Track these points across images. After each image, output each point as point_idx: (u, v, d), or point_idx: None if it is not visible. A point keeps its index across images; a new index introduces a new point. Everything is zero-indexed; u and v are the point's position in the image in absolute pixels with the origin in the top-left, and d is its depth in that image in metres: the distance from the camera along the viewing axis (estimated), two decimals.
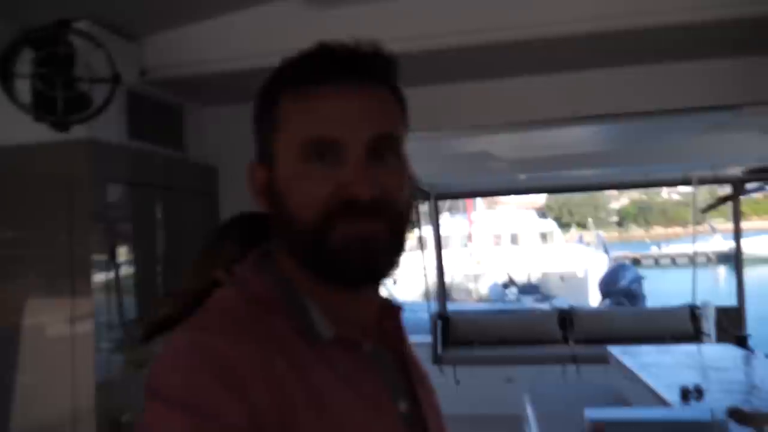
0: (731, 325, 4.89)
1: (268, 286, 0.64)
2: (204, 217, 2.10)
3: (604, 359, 3.63)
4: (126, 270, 1.66)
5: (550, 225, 19.10)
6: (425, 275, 5.11)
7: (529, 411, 2.95)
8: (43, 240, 1.54)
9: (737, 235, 5.19)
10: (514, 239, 17.75)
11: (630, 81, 1.93)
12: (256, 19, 1.76)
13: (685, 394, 2.63)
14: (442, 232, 5.47)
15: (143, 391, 0.56)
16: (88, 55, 1.55)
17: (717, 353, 4.00)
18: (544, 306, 7.62)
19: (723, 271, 18.31)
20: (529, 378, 4.19)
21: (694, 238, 6.18)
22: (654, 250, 29.51)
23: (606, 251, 16.64)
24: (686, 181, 4.74)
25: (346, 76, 0.61)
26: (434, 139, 2.85)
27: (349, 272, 0.61)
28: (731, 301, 5.16)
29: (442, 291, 5.35)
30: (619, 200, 45.39)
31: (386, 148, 0.62)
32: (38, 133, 1.51)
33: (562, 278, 13.52)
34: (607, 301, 9.07)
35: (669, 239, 32.49)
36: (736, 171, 4.65)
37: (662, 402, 2.68)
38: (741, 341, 4.63)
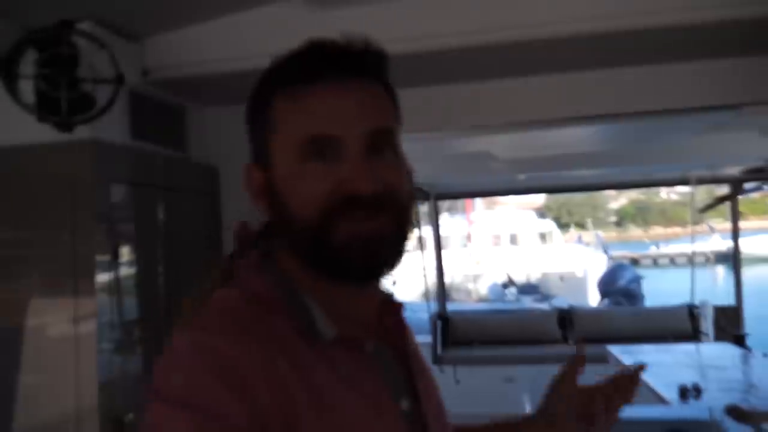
0: (729, 324, 4.90)
1: (269, 286, 0.64)
2: (205, 218, 2.11)
3: (604, 359, 3.63)
4: (128, 270, 1.67)
5: (549, 225, 19.12)
6: (425, 275, 5.12)
7: (529, 410, 2.96)
8: (46, 240, 1.54)
9: (735, 234, 5.21)
10: (513, 239, 17.77)
11: (629, 81, 1.94)
12: (258, 20, 1.77)
13: (684, 393, 2.64)
14: (441, 232, 5.48)
15: (145, 392, 0.56)
16: (91, 55, 1.55)
17: (715, 352, 4.02)
18: (544, 306, 7.63)
19: (721, 271, 18.33)
20: (529, 378, 4.20)
21: (692, 238, 6.19)
22: (653, 250, 29.53)
23: (605, 251, 16.67)
24: (685, 181, 4.75)
25: (337, 72, 0.61)
26: (434, 139, 2.86)
27: (353, 270, 0.61)
28: (729, 300, 5.18)
29: (442, 291, 5.36)
30: (617, 200, 45.43)
31: (384, 143, 0.62)
32: (41, 133, 1.51)
33: (561, 278, 13.53)
34: (606, 301, 9.08)
35: (668, 239, 32.51)
36: (734, 171, 4.66)
37: (661, 400, 2.69)
38: (739, 340, 4.65)
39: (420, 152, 3.09)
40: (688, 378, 2.85)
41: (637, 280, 9.50)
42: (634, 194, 41.76)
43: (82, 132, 1.54)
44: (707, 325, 4.91)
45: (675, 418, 2.37)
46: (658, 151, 3.70)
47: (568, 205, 40.03)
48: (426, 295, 5.28)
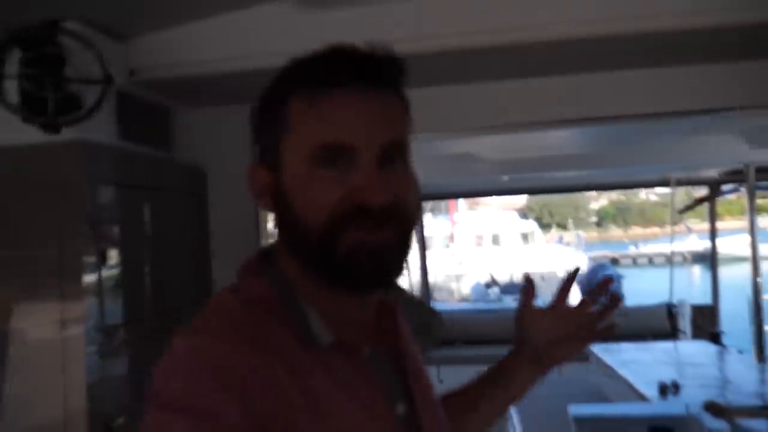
0: (706, 323, 5.02)
1: (267, 289, 0.64)
2: (192, 219, 2.10)
3: (585, 357, 3.69)
4: (114, 272, 1.65)
5: (530, 225, 19.32)
6: (409, 276, 5.14)
7: (512, 409, 3.00)
8: (32, 242, 1.52)
9: (713, 235, 5.33)
10: (495, 240, 17.91)
11: (628, 84, 1.93)
12: (246, 21, 1.76)
13: (663, 390, 2.71)
14: (424, 232, 5.51)
15: (144, 396, 0.56)
16: (77, 55, 1.53)
17: (693, 350, 4.11)
18: None
19: (698, 271, 18.69)
20: None
21: (672, 238, 6.31)
22: (632, 250, 29.98)
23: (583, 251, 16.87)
24: (665, 183, 4.85)
25: (358, 80, 0.60)
26: (420, 140, 2.87)
27: (356, 279, 0.61)
28: (706, 299, 5.29)
29: (426, 291, 5.39)
30: (598, 201, 46.00)
31: (396, 154, 0.62)
32: (27, 134, 1.49)
33: (542, 278, 13.68)
34: None
35: (646, 239, 33.03)
36: (712, 173, 4.77)
37: (641, 397, 2.75)
38: (715, 338, 4.76)
39: None
40: (667, 375, 2.92)
41: (617, 279, 9.66)
42: (614, 195, 42.35)
43: (68, 133, 1.52)
44: (685, 323, 5.02)
45: (655, 415, 2.43)
46: (639, 153, 3.76)
47: (549, 205, 40.41)
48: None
